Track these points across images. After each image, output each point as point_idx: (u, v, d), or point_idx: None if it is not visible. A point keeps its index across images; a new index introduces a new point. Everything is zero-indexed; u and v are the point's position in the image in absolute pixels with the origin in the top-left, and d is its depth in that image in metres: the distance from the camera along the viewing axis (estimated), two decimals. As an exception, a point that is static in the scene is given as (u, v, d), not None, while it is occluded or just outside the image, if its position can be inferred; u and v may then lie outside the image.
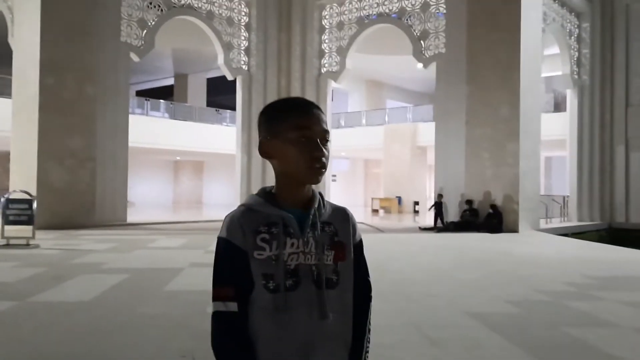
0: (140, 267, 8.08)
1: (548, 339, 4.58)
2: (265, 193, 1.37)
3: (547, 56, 19.73)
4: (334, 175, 30.12)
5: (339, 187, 29.91)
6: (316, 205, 1.37)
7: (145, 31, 16.48)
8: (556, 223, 18.73)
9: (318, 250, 1.33)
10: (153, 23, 16.69)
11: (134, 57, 16.27)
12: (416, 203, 25.41)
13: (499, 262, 9.43)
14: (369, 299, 1.47)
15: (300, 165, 1.31)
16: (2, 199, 10.65)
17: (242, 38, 19.51)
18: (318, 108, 1.37)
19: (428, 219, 19.20)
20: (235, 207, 1.37)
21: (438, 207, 16.36)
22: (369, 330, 1.45)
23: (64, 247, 10.10)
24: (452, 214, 16.13)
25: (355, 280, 1.41)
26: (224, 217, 1.34)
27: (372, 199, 27.70)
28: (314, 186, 1.39)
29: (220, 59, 18.92)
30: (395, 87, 33.57)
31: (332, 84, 20.39)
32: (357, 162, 34.38)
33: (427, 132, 22.54)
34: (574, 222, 19.46)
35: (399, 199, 25.84)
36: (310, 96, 19.67)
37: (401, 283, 7.15)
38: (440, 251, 11.20)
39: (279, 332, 1.27)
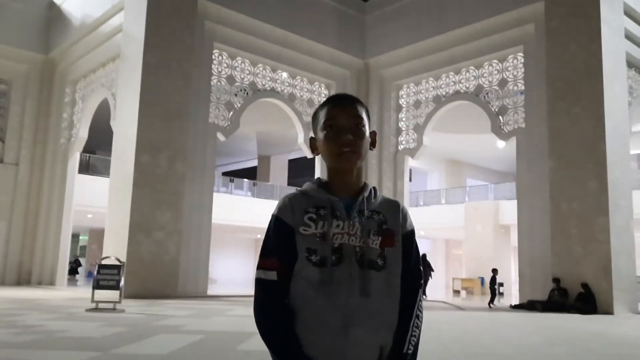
0: (216, 330, 8.21)
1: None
2: (319, 182, 1.49)
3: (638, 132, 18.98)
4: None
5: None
6: (366, 195, 1.46)
7: (231, 112, 17.61)
8: (659, 307, 17.11)
9: (363, 234, 1.41)
10: (239, 105, 17.83)
11: (221, 136, 17.31)
12: (500, 284, 24.19)
13: (590, 341, 8.73)
14: (419, 285, 1.50)
15: (332, 154, 1.44)
16: (96, 267, 11.36)
17: (322, 118, 20.30)
18: (348, 99, 1.49)
19: (514, 299, 18.27)
20: None
21: (492, 283, 16.67)
22: (418, 316, 1.46)
23: (147, 312, 10.47)
24: (539, 294, 15.22)
25: (405, 267, 1.46)
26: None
27: (454, 279, 26.75)
28: (369, 180, 1.50)
29: (301, 138, 19.70)
30: (475, 166, 33.19)
31: (410, 162, 20.51)
32: (437, 243, 33.64)
33: (510, 210, 21.87)
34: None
35: (482, 280, 24.76)
36: (387, 173, 19.87)
37: (482, 356, 6.80)
38: (526, 329, 10.55)
39: (323, 302, 1.34)
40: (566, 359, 6.73)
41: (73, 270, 31.58)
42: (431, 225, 27.72)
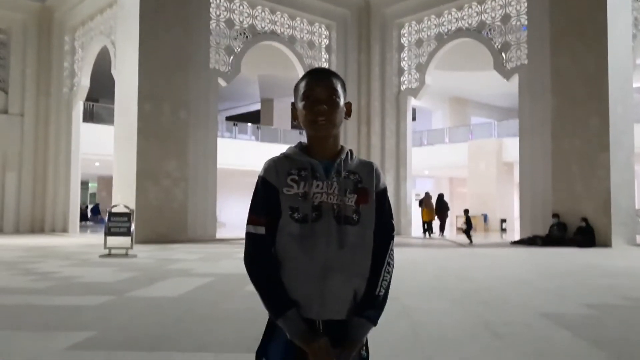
0: (225, 272, 8.60)
1: (621, 336, 4.48)
2: (301, 146, 1.67)
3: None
4: (418, 194, 29.86)
5: (422, 206, 29.55)
6: (343, 157, 1.64)
7: (232, 57, 17.51)
8: (657, 239, 17.48)
9: (340, 193, 1.59)
10: (239, 49, 17.71)
11: (222, 82, 17.28)
12: (503, 221, 24.65)
13: (584, 274, 9.08)
14: (390, 237, 1.68)
15: (309, 122, 1.62)
16: (106, 214, 11.75)
17: (323, 60, 20.14)
18: (325, 73, 1.66)
19: (517, 235, 18.63)
20: None
21: (468, 223, 16.79)
22: (389, 263, 1.64)
23: (158, 257, 10.90)
24: (540, 230, 15.57)
25: (378, 221, 1.64)
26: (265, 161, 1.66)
27: (457, 217, 27.16)
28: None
29: (302, 81, 19.60)
30: (480, 104, 32.99)
31: (414, 102, 20.47)
32: (441, 182, 33.89)
33: (513, 147, 21.94)
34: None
35: (485, 217, 25.19)
36: (390, 114, 19.88)
37: (477, 290, 7.13)
38: (524, 263, 10.93)
39: (304, 254, 1.54)
40: (556, 291, 7.05)
41: (84, 217, 32.36)
42: (435, 164, 27.92)
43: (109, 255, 10.82)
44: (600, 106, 14.75)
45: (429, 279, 8.34)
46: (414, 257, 11.62)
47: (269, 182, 1.59)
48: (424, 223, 20.42)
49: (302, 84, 1.64)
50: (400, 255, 11.73)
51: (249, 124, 28.88)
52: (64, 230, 19.98)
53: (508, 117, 30.09)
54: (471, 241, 16.15)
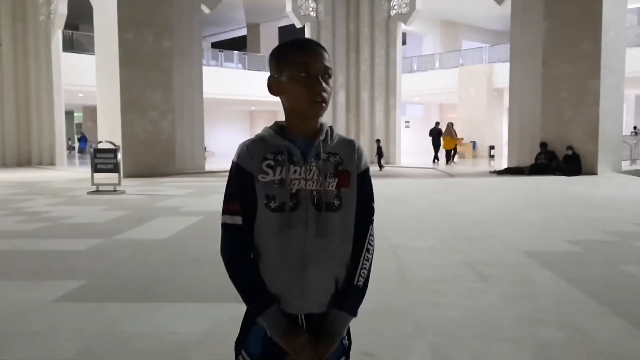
0: (214, 210, 8.63)
1: (601, 275, 4.60)
2: (277, 126, 1.53)
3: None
4: (407, 122, 29.78)
5: (412, 133, 29.56)
6: (322, 137, 1.50)
7: (214, -18, 16.78)
8: (642, 165, 17.76)
9: (320, 178, 1.47)
10: (222, -27, 16.94)
11: (205, 8, 16.66)
12: (491, 147, 24.78)
13: (569, 205, 9.22)
14: (370, 222, 1.57)
15: (303, 101, 1.45)
16: (91, 150, 11.63)
17: (310, -17, 19.39)
18: (319, 46, 1.49)
19: (504, 163, 18.78)
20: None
21: (378, 151, 17.72)
22: (368, 249, 1.55)
23: (146, 193, 10.91)
24: (527, 158, 15.67)
25: (359, 205, 1.53)
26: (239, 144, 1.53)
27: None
28: (324, 119, 1.55)
29: (289, 6, 18.95)
30: (472, 27, 32.22)
31: (403, 27, 19.94)
32: (431, 108, 33.70)
33: (503, 73, 21.68)
34: (662, 164, 18.37)
35: (474, 144, 25.27)
36: (379, 41, 19.41)
37: (463, 225, 7.23)
38: (510, 194, 11.06)
39: (282, 245, 1.45)
40: (540, 226, 7.17)
41: (72, 147, 32.14)
42: (425, 90, 27.63)
43: (97, 191, 10.80)
44: (593, 30, 14.47)
45: (417, 213, 8.44)
46: (402, 189, 11.71)
47: (242, 168, 1.47)
48: (446, 151, 21.63)
49: (295, 55, 1.46)
50: (389, 187, 11.84)
51: (235, 52, 28.13)
52: (51, 163, 19.85)
53: (500, 41, 29.51)
54: (381, 168, 17.32)
